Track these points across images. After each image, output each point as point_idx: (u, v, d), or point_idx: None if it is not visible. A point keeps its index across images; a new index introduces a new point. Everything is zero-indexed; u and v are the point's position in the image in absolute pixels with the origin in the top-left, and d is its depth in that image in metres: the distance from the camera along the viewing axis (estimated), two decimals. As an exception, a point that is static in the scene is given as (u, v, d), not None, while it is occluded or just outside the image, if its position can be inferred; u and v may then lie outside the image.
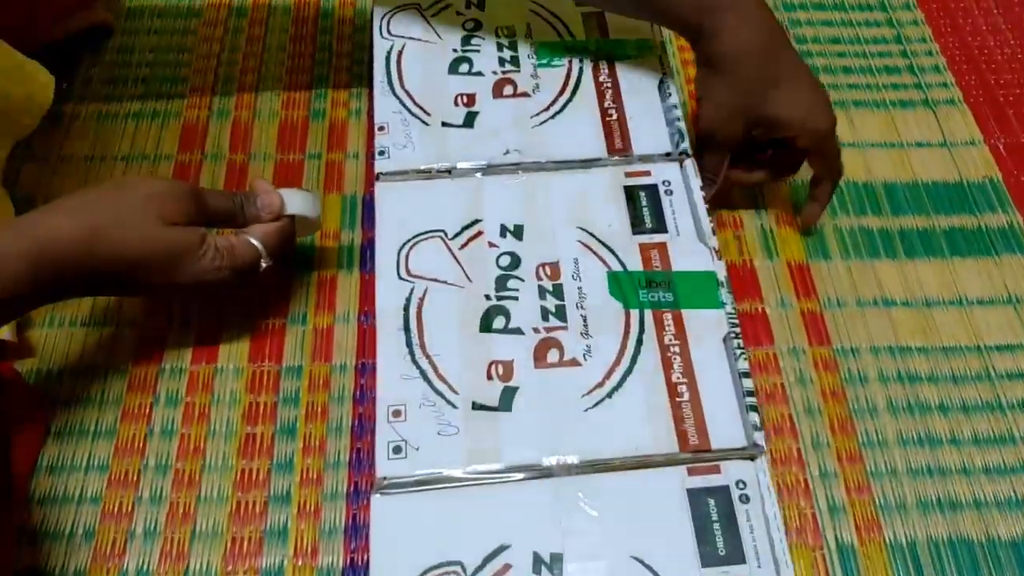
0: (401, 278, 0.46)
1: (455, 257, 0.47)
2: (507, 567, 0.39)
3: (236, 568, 0.45)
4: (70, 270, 0.41)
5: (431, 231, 0.48)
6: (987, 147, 0.62)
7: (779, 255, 0.56)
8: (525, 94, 0.52)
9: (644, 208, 0.48)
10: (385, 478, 0.41)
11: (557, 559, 0.39)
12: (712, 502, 0.40)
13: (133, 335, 0.52)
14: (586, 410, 0.42)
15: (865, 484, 0.48)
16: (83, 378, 0.51)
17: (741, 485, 0.40)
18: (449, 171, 0.50)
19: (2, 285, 0.39)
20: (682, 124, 0.51)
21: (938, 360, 0.52)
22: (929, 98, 0.64)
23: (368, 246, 0.55)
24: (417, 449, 0.41)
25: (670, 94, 0.52)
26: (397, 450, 0.41)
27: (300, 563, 0.45)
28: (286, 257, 0.51)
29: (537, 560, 0.39)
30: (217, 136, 0.61)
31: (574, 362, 0.44)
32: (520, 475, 0.41)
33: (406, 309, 0.45)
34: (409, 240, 0.47)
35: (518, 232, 0.48)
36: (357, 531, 0.46)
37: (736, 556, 0.39)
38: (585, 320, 0.45)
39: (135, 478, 0.47)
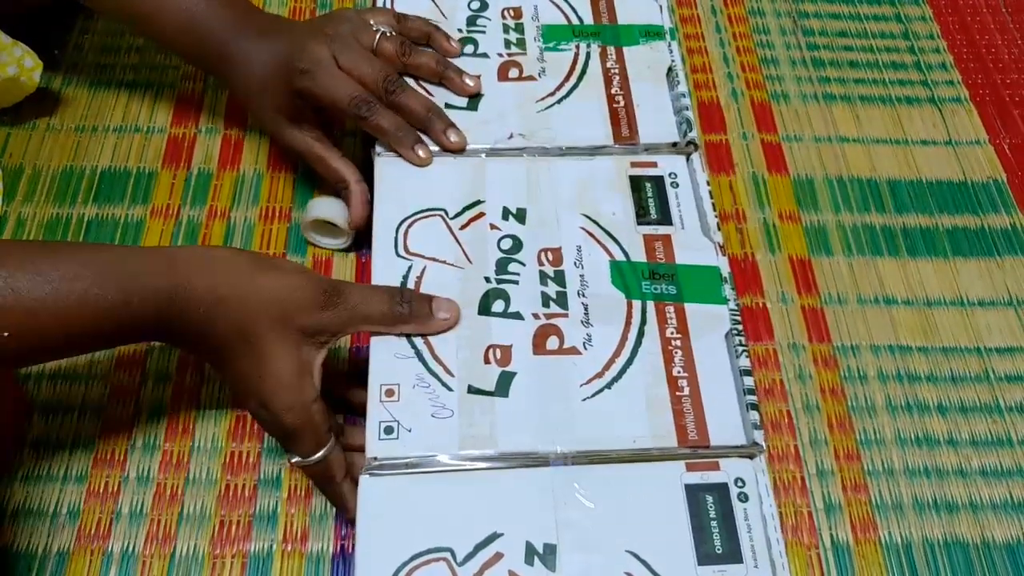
0: (399, 255, 0.45)
1: (455, 237, 0.46)
2: (498, 556, 0.38)
3: (224, 552, 0.44)
4: (186, 328, 0.39)
5: (431, 209, 0.47)
6: (992, 147, 0.61)
7: (781, 249, 0.55)
8: (531, 78, 0.51)
9: (649, 199, 0.47)
10: (375, 459, 0.40)
11: (551, 550, 0.38)
12: (710, 499, 0.39)
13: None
14: (584, 400, 0.42)
15: (862, 483, 0.47)
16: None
17: (740, 483, 0.40)
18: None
19: (142, 317, 0.37)
20: (690, 113, 0.50)
21: (938, 360, 0.52)
22: (935, 95, 0.64)
23: (365, 227, 0.54)
24: (410, 431, 0.40)
25: (679, 82, 0.51)
26: (389, 430, 0.40)
27: (289, 548, 0.44)
28: None
29: (530, 550, 0.38)
30: (212, 110, 0.59)
31: (574, 350, 0.43)
32: (515, 462, 0.40)
33: (403, 287, 0.44)
34: (409, 217, 0.46)
35: (520, 216, 0.47)
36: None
37: (733, 555, 0.38)
38: (586, 309, 0.44)
39: (122, 458, 0.46)
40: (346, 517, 0.44)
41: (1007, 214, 0.58)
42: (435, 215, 0.47)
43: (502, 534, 0.38)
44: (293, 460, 0.41)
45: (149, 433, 0.47)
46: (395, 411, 0.41)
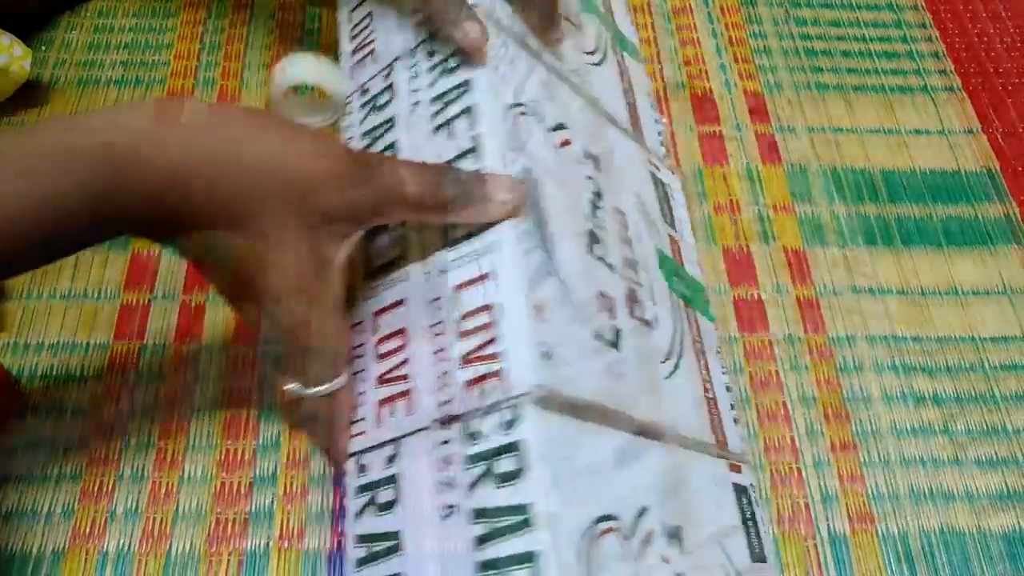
0: (512, 149, 0.33)
1: (557, 153, 0.36)
2: (651, 533, 0.32)
3: (220, 550, 0.44)
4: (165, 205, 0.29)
5: (526, 105, 0.35)
6: (985, 136, 0.61)
7: (776, 240, 0.55)
8: (572, 23, 0.46)
9: (664, 201, 0.47)
10: (541, 385, 0.28)
11: (676, 531, 0.33)
12: (744, 500, 0.39)
13: (113, 309, 0.51)
14: (665, 378, 0.37)
15: (858, 474, 0.47)
16: (61, 354, 0.49)
17: (753, 488, 0.40)
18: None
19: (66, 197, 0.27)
20: (664, 139, 0.49)
21: (932, 350, 0.52)
22: (928, 85, 0.64)
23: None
24: (568, 364, 0.30)
25: (655, 104, 0.51)
26: (546, 356, 0.29)
27: (286, 545, 0.44)
28: None
29: (666, 531, 0.33)
30: (202, 105, 0.59)
31: (650, 324, 0.38)
32: (643, 432, 0.34)
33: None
34: (512, 106, 0.34)
35: (597, 163, 0.39)
36: (345, 515, 0.45)
37: (762, 555, 0.38)
38: (651, 287, 0.39)
39: (115, 456, 0.46)
40: (336, 461, 0.35)
41: (1000, 203, 0.58)
42: (532, 116, 0.36)
43: (648, 507, 0.32)
44: (287, 387, 0.31)
45: (143, 431, 0.47)
46: (548, 337, 0.30)
